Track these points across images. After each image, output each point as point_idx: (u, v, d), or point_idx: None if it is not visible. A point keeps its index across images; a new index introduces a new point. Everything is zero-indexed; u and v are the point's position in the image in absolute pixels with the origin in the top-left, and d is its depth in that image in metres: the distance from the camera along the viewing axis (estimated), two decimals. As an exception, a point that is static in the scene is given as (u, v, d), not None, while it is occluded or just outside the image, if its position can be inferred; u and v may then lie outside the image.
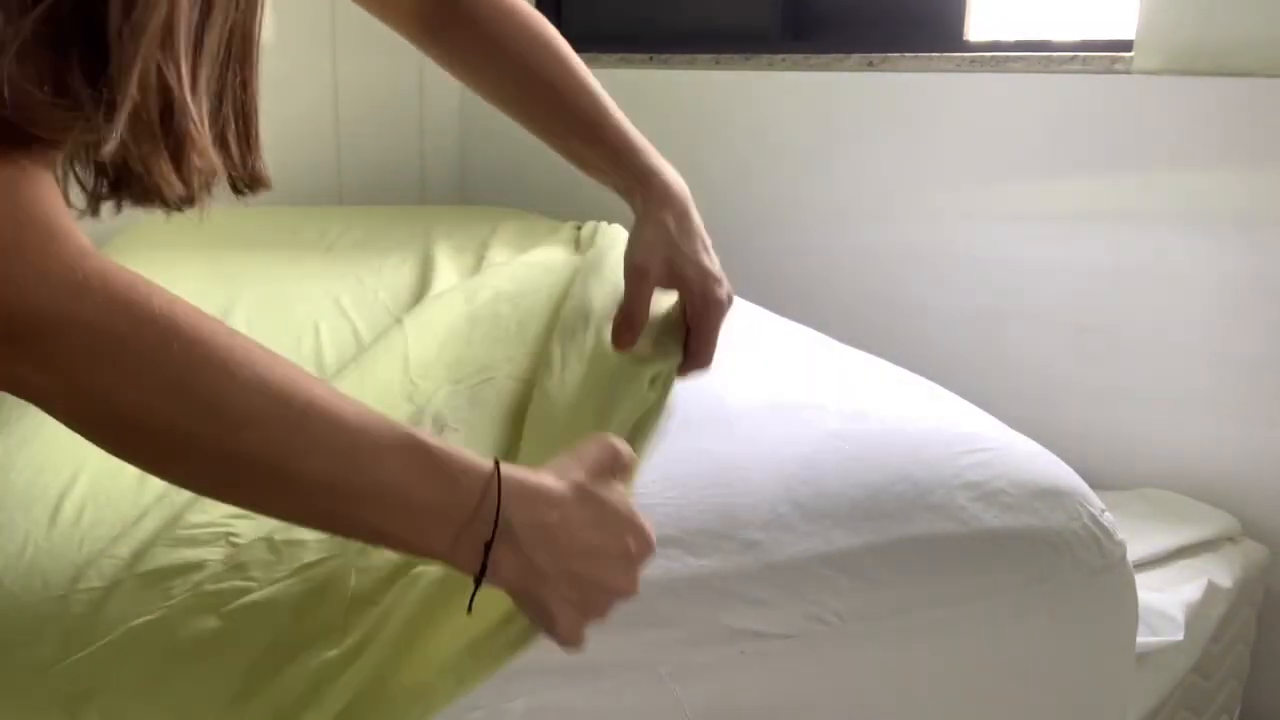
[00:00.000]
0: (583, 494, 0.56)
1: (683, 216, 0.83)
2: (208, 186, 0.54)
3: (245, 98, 0.56)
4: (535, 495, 0.55)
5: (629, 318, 0.79)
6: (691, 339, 0.81)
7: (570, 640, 0.57)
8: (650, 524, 0.58)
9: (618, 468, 0.59)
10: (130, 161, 0.50)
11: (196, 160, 0.52)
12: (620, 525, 0.57)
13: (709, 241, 0.85)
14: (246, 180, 0.58)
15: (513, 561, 0.54)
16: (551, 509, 0.55)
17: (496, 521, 0.53)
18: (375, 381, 0.89)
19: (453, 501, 0.53)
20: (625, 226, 1.63)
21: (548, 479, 0.56)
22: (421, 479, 0.52)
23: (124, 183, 0.52)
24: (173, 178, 0.51)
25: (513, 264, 1.19)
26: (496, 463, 0.55)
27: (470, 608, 0.55)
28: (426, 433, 0.55)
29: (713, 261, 0.83)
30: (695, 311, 0.80)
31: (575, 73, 0.85)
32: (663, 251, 0.80)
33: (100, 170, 0.53)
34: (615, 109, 0.86)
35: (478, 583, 0.54)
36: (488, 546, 0.53)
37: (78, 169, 0.54)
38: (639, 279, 0.80)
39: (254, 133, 0.57)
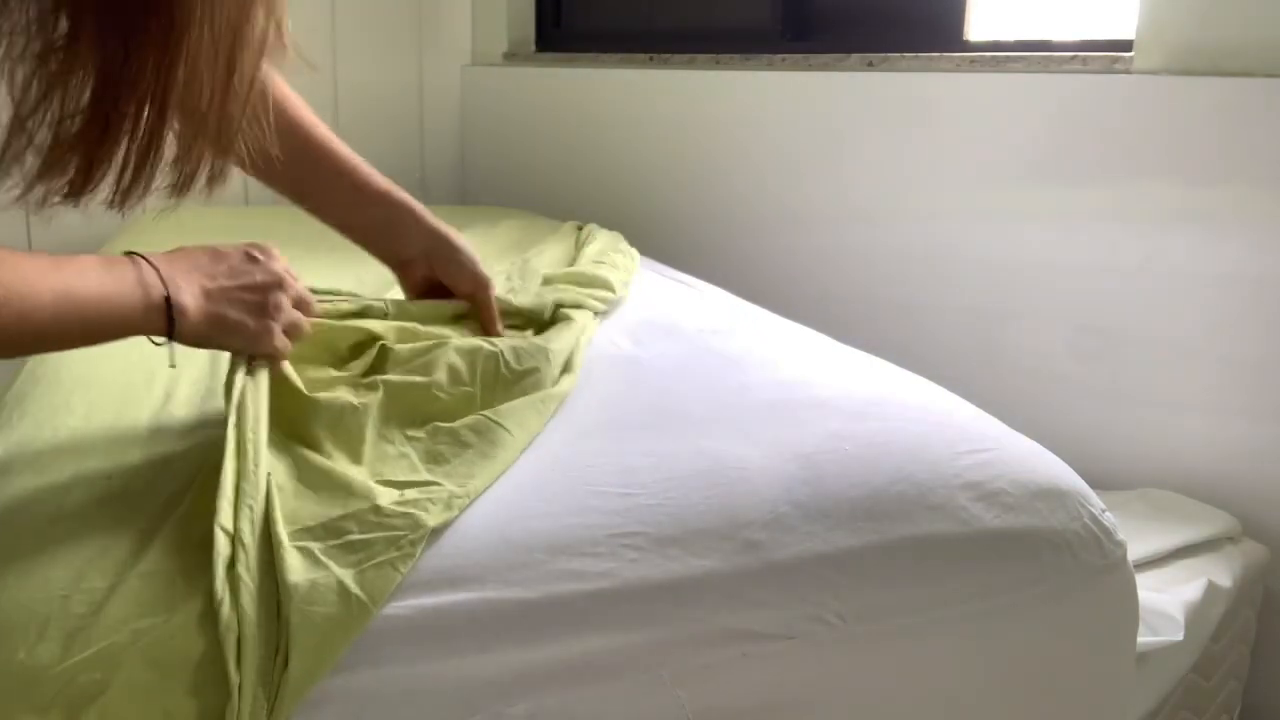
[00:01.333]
0: (189, 249, 0.77)
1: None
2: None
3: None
4: (165, 256, 0.74)
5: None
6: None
7: (269, 340, 0.77)
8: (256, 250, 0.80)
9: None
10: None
11: None
12: (230, 249, 0.79)
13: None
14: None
15: (189, 299, 0.72)
16: (183, 256, 0.76)
17: (159, 272, 0.72)
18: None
19: (127, 275, 0.70)
20: (625, 229, 1.64)
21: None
22: (105, 272, 0.70)
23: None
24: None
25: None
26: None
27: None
28: None
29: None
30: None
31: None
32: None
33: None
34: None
35: (171, 326, 0.72)
36: (167, 301, 0.71)
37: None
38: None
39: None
